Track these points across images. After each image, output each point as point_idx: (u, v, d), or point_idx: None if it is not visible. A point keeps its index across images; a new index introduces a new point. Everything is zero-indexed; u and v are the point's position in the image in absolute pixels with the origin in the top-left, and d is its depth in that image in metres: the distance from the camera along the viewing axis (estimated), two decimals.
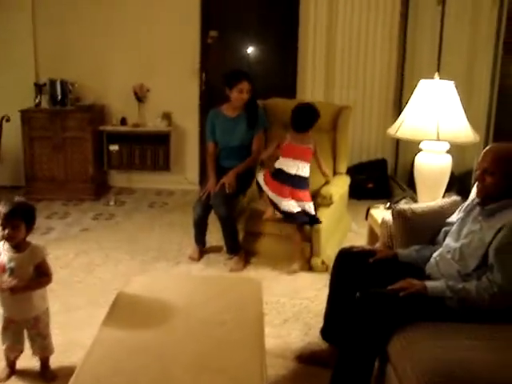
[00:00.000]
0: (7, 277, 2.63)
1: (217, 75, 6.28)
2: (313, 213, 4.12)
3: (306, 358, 3.02)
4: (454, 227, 2.74)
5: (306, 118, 4.14)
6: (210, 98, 6.30)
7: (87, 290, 3.86)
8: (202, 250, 4.48)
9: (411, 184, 5.90)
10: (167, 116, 6.39)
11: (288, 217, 4.10)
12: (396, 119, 3.71)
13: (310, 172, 4.19)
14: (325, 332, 3.05)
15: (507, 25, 4.85)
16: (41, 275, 2.73)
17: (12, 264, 2.65)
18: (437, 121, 3.31)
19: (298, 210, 4.08)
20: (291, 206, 4.06)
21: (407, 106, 3.58)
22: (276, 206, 4.10)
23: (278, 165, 4.16)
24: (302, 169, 4.13)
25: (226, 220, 4.19)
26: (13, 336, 2.78)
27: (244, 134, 4.44)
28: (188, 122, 6.53)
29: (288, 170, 4.11)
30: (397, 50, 6.26)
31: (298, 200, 4.09)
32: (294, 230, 4.17)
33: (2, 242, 2.69)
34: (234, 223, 4.25)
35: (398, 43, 6.25)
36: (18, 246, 2.68)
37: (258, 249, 4.39)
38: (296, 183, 4.10)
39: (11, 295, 2.63)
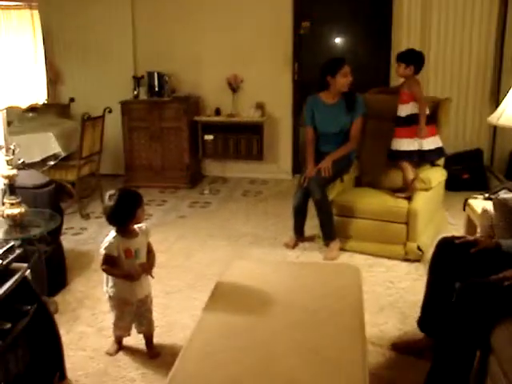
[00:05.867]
0: (135, 261, 2.83)
1: (309, 66, 6.31)
2: (437, 146, 4.30)
3: (402, 348, 3.01)
4: None
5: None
6: (303, 88, 6.31)
7: (186, 275, 3.99)
8: (299, 239, 4.50)
9: (509, 175, 5.72)
10: (261, 106, 6.45)
11: (403, 156, 4.30)
12: (493, 108, 3.59)
13: None
14: (422, 322, 2.99)
15: None
16: (147, 253, 2.91)
17: (137, 248, 2.83)
18: None
19: (414, 148, 4.25)
20: (405, 143, 4.28)
21: (509, 92, 3.46)
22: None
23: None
24: (407, 109, 4.27)
25: (320, 204, 4.19)
26: (129, 317, 2.93)
27: (343, 120, 4.41)
28: (281, 112, 6.56)
29: (400, 114, 4.32)
30: (495, 37, 6.00)
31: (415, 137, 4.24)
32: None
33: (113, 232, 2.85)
34: (330, 208, 4.24)
35: (496, 28, 5.97)
36: (129, 232, 2.85)
37: (351, 232, 4.35)
38: (408, 122, 4.26)
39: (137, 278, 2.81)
